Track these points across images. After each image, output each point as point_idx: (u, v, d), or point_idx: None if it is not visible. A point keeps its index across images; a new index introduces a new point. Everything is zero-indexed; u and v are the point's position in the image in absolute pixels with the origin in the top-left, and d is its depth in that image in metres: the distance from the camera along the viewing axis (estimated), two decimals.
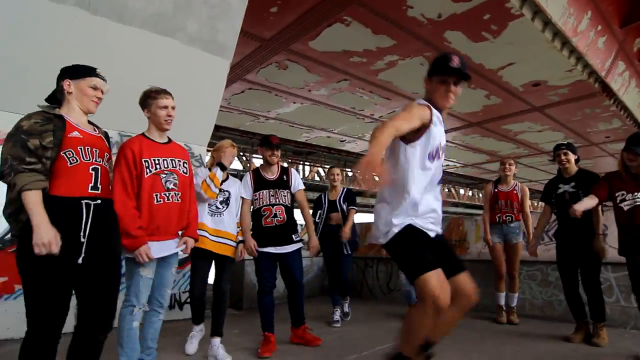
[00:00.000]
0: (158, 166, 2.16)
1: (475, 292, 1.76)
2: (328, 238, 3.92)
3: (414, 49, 7.04)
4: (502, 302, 3.86)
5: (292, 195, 3.11)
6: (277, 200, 3.00)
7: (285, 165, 3.28)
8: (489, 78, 8.25)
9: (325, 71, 7.67)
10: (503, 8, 5.94)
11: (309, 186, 12.36)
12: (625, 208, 2.72)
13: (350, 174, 15.82)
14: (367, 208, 14.65)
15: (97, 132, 1.85)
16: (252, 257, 3.00)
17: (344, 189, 4.16)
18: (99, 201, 1.72)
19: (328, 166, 15.77)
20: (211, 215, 2.88)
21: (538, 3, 5.96)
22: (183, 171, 2.26)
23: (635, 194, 2.69)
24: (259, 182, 3.02)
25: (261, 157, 3.11)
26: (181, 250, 2.28)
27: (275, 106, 9.44)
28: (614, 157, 13.57)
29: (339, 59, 7.20)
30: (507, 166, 3.89)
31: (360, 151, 13.61)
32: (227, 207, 2.94)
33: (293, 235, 3.05)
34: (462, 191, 24.09)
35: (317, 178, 14.81)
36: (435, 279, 1.61)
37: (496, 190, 3.90)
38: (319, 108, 9.55)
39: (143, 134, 2.24)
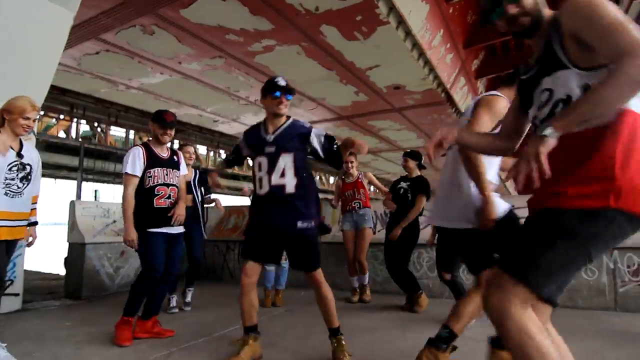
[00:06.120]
0: None
1: None
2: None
3: (292, 37, 7.11)
4: (356, 285, 4.19)
5: None
6: (172, 180, 2.83)
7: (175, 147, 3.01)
8: (358, 76, 8.89)
9: (198, 44, 7.19)
10: (373, 12, 6.43)
11: None
12: None
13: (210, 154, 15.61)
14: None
15: None
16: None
17: (196, 170, 3.96)
18: None
19: (200, 146, 14.96)
20: (11, 197, 2.30)
21: (402, 14, 6.62)
22: None
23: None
24: (152, 159, 2.76)
25: (151, 133, 2.84)
26: None
27: (138, 74, 8.48)
28: None
29: (214, 34, 6.83)
30: (349, 164, 4.19)
31: (235, 133, 13.21)
32: (27, 184, 2.41)
33: None
34: (332, 179, 25.69)
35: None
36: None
37: (342, 183, 4.29)
38: (190, 83, 8.94)
39: None
